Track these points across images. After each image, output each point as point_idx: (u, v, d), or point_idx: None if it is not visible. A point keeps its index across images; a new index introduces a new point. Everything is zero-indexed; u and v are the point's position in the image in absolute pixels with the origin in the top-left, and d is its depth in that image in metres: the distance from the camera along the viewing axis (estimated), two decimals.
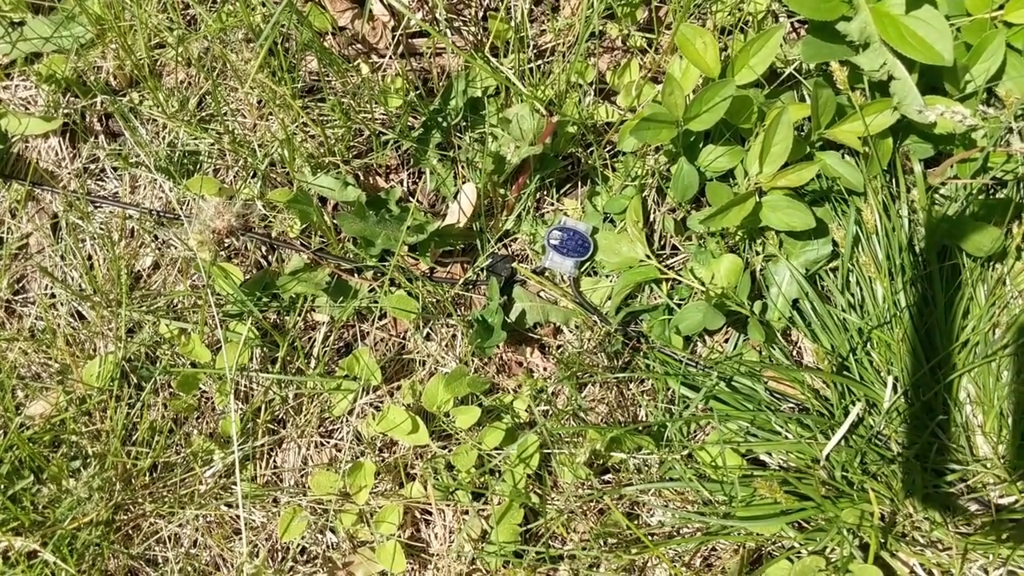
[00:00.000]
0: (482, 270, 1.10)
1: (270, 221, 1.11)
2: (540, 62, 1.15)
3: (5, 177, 1.11)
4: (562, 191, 1.15)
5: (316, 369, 1.07)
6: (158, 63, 1.15)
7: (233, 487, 1.02)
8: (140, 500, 1.01)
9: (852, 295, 1.06)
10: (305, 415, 1.06)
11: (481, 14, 1.18)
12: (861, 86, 1.02)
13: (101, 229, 1.11)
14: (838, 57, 0.98)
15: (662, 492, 1.04)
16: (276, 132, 1.11)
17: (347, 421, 1.07)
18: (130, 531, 1.01)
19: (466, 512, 1.03)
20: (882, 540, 0.96)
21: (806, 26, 1.16)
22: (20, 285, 1.11)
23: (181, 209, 1.10)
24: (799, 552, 0.97)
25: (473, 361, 1.09)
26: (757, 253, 1.09)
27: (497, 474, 1.03)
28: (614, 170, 1.14)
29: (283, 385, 1.06)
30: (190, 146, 1.12)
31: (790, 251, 1.07)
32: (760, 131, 1.04)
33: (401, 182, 1.15)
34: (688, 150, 1.07)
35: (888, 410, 0.99)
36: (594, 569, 1.00)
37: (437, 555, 1.04)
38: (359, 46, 1.16)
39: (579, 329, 1.10)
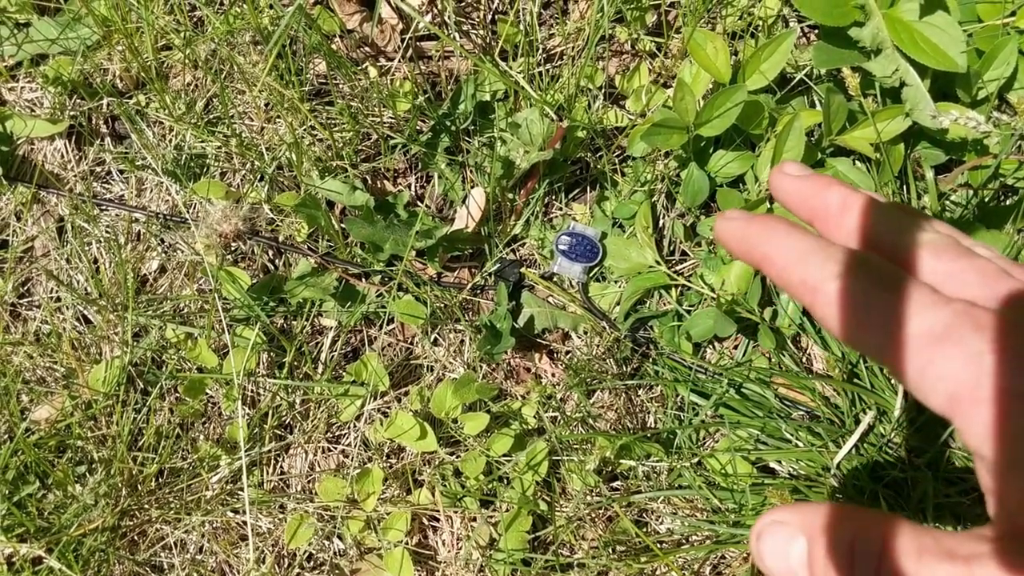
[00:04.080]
0: (490, 275, 1.09)
1: (277, 225, 1.10)
2: (549, 66, 1.15)
3: (10, 179, 1.11)
4: (571, 196, 1.15)
5: (323, 374, 1.06)
6: (165, 65, 1.14)
7: (240, 493, 1.01)
8: (146, 506, 1.00)
9: None
10: (312, 420, 1.05)
11: (490, 17, 1.17)
12: (872, 92, 1.02)
13: (107, 232, 1.10)
14: (850, 63, 0.98)
15: (671, 500, 1.03)
16: (284, 135, 1.10)
17: (355, 427, 1.06)
18: (136, 537, 1.01)
19: (474, 519, 1.03)
20: None
21: (817, 31, 1.15)
22: (25, 288, 1.10)
23: (188, 212, 1.09)
24: None
25: (481, 367, 1.08)
26: None
27: (505, 481, 1.03)
28: (623, 175, 1.13)
29: (290, 390, 1.05)
30: (197, 149, 1.11)
31: None
32: (771, 137, 1.03)
33: (409, 186, 1.15)
34: (698, 155, 1.06)
35: (899, 418, 0.98)
36: None
37: (445, 562, 1.03)
38: (367, 49, 1.16)
39: (588, 335, 1.09)
